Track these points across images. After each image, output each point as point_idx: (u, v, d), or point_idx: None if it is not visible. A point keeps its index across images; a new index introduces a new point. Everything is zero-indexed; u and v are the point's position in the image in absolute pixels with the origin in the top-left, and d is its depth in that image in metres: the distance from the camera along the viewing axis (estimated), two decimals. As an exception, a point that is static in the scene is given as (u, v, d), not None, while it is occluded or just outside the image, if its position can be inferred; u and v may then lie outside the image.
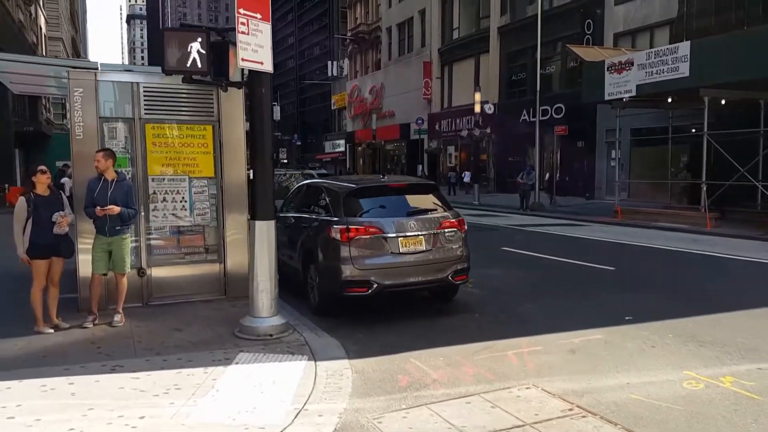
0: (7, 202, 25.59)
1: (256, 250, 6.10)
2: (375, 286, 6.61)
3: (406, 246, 6.74)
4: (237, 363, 5.32)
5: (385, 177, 8.21)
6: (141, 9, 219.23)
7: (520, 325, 6.70)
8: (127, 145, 7.27)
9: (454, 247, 7.02)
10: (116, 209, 6.34)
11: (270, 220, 6.14)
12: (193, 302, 7.53)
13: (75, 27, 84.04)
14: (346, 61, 56.59)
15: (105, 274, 6.54)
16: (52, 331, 6.22)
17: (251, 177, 6.15)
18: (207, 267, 7.72)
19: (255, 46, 5.77)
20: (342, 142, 56.05)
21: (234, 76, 6.60)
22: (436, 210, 7.14)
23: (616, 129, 19.48)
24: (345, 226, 6.66)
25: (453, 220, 7.07)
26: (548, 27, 26.37)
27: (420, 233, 6.80)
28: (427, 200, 7.27)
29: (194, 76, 6.14)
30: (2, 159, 26.27)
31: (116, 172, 6.52)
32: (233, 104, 7.63)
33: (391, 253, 6.70)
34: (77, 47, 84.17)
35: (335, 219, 6.88)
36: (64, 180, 19.95)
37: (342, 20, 61.78)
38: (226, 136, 7.64)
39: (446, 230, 6.97)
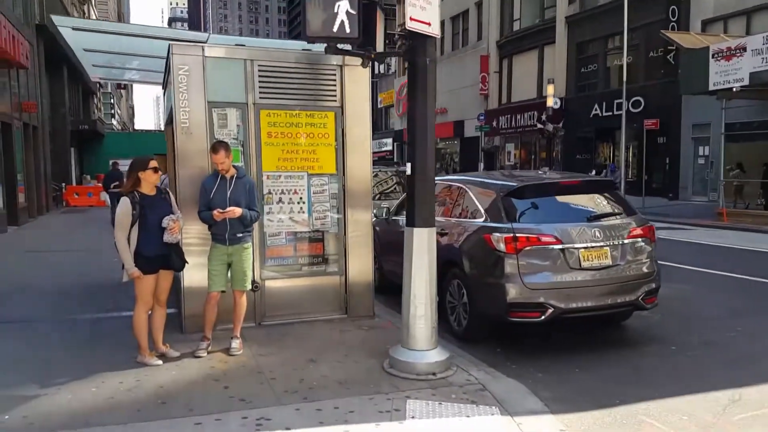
0: (64, 201, 25.16)
1: (413, 265, 4.83)
2: (550, 310, 5.27)
3: (588, 260, 5.38)
4: (413, 417, 4.05)
5: (547, 172, 6.84)
6: (182, 12, 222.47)
7: (751, 365, 5.24)
8: (238, 136, 6.10)
9: (643, 261, 5.63)
10: (238, 211, 5.16)
11: (431, 227, 4.87)
12: (311, 322, 6.33)
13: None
14: (394, 58, 55.14)
15: (223, 291, 5.36)
16: (160, 362, 5.07)
17: (408, 173, 4.87)
18: (326, 280, 6.50)
19: (423, 2, 4.50)
20: (389, 140, 54.77)
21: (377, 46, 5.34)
22: (618, 214, 5.76)
23: (706, 124, 17.72)
24: (512, 234, 5.34)
25: (641, 228, 5.67)
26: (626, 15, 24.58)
27: (604, 244, 5.44)
28: (605, 202, 5.90)
29: (341, 45, 4.89)
30: (59, 158, 25.80)
31: (234, 167, 5.34)
32: (358, 86, 6.40)
33: (570, 268, 5.35)
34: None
35: (495, 225, 5.56)
36: None
37: (387, 17, 60.47)
38: (350, 124, 6.41)
39: (634, 240, 5.58)
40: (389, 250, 6.39)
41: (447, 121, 42.76)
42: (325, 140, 6.38)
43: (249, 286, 5.44)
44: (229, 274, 5.37)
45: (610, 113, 27.26)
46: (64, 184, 25.59)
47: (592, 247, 5.39)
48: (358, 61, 6.26)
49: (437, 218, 6.91)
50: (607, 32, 28.47)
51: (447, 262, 6.14)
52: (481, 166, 37.66)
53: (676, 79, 20.73)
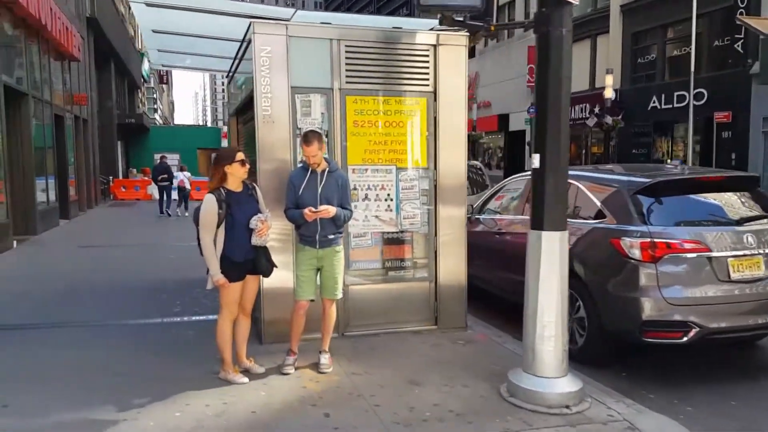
0: (111, 194, 25.12)
1: (541, 276, 4.11)
2: (694, 330, 4.48)
3: (738, 271, 4.56)
4: (560, 462, 3.34)
5: (679, 166, 6.02)
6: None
7: None
8: (323, 125, 5.46)
9: (799, 271, 4.78)
10: (332, 210, 4.51)
11: (563, 230, 4.13)
12: (398, 334, 5.67)
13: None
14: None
15: (312, 300, 4.73)
16: (246, 380, 4.47)
17: (534, 166, 4.14)
18: (414, 287, 5.83)
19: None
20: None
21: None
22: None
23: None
24: (649, 240, 4.56)
25: (797, 232, 4.83)
26: (688, 1, 23.24)
27: (758, 252, 4.62)
28: (752, 201, 5.07)
29: (456, 16, 4.18)
30: (106, 151, 25.78)
31: (325, 160, 4.69)
32: (454, 69, 5.69)
33: (718, 281, 4.55)
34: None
35: (624, 227, 4.79)
36: (182, 175, 18.95)
37: (429, 9, 59.13)
38: (443, 112, 5.70)
39: (791, 247, 4.73)
40: (472, 252, 5.78)
41: (491, 114, 41.76)
42: (416, 129, 5.69)
43: (340, 294, 4.80)
44: (317, 280, 4.73)
45: (670, 105, 25.94)
46: (111, 178, 25.56)
47: (744, 255, 4.58)
48: (455, 39, 5.59)
49: (523, 216, 6.25)
50: (666, 20, 27.08)
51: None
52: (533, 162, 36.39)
53: (745, 69, 19.42)
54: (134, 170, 30.01)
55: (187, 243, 12.55)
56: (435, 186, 5.74)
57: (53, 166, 15.38)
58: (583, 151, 34.66)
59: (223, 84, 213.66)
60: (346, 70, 5.42)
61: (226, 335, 4.43)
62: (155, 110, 52.14)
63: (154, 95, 55.64)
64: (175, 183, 18.68)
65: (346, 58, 5.41)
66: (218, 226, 4.27)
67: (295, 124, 5.34)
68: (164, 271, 9.09)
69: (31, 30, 13.27)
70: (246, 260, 4.33)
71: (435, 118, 5.69)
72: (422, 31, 5.63)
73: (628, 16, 29.76)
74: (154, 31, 6.36)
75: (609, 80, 25.00)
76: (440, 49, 5.63)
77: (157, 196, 25.09)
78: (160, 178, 18.43)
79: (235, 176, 4.37)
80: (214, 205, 4.25)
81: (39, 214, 13.27)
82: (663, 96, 26.61)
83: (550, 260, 4.09)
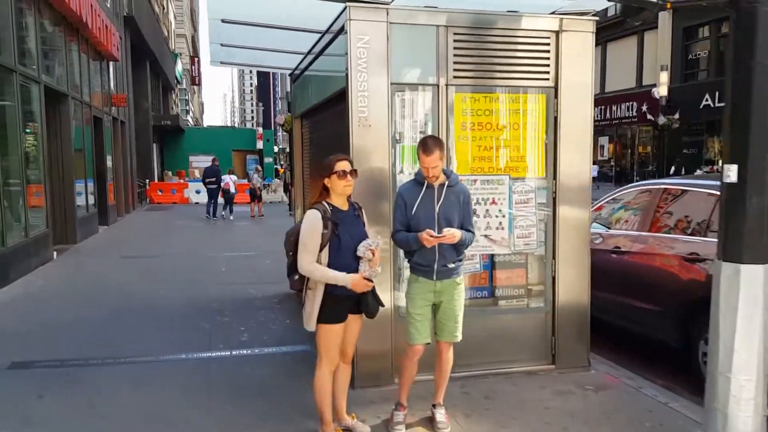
0: (148, 198, 24.67)
1: (738, 321, 3.19)
2: None
3: None
4: None
5: None
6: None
7: None
8: (425, 128, 4.60)
9: None
10: (458, 234, 3.65)
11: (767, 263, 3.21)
12: (510, 375, 4.79)
13: (194, 26, 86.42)
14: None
15: (428, 343, 3.86)
16: (349, 443, 3.64)
17: (729, 180, 3.22)
18: (529, 318, 4.94)
19: None
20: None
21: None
22: None
23: None
24: None
25: None
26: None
27: None
28: None
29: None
30: (142, 153, 25.35)
31: (444, 171, 3.82)
32: (579, 60, 4.78)
33: None
34: (196, 47, 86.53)
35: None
36: (228, 178, 18.50)
37: None
38: (566, 111, 4.80)
39: None
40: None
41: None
42: (533, 132, 4.80)
43: (460, 336, 3.93)
44: (435, 320, 3.88)
45: (724, 104, 24.60)
46: (147, 181, 25.13)
47: None
48: (581, 25, 4.72)
49: (642, 232, 5.35)
50: (720, 15, 25.71)
51: (704, 300, 4.45)
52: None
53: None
54: (169, 173, 29.61)
55: (236, 252, 11.94)
56: (554, 199, 4.85)
57: (92, 170, 14.82)
58: (628, 150, 33.36)
59: (251, 85, 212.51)
60: (454, 63, 4.56)
61: (326, 390, 3.59)
62: (187, 111, 51.97)
63: (186, 96, 55.53)
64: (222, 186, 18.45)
65: (455, 48, 4.55)
66: (320, 250, 3.44)
67: (394, 128, 4.50)
68: (218, 285, 8.34)
69: (70, 28, 12.70)
70: (350, 295, 3.49)
71: (555, 118, 4.79)
72: (542, 15, 4.74)
73: (678, 11, 28.38)
74: (223, 21, 5.57)
75: (664, 77, 23.78)
76: (563, 37, 4.73)
77: (194, 199, 24.71)
78: (208, 181, 18.19)
79: (336, 191, 3.54)
80: (318, 223, 3.42)
81: (79, 221, 12.67)
82: (717, 93, 25.25)
83: (751, 301, 3.17)
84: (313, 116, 6.57)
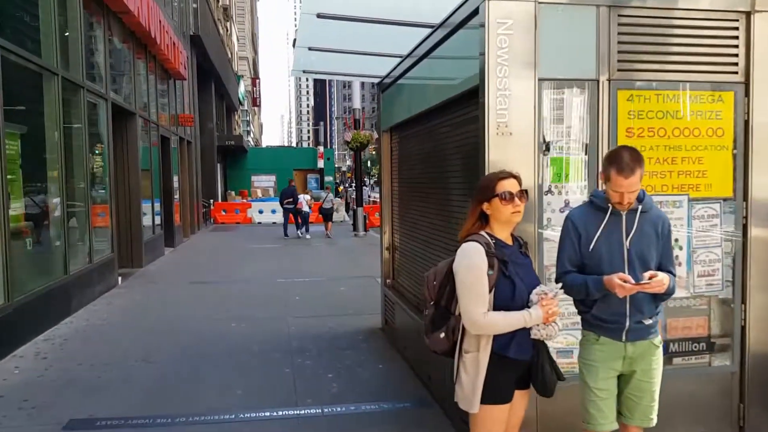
0: (212, 218, 24.43)
1: None
2: None
3: None
4: None
5: None
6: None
7: None
8: (580, 135, 3.59)
9: None
10: (665, 281, 2.61)
11: None
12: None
13: (254, 49, 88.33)
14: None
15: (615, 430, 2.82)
16: None
17: None
18: (709, 380, 3.81)
19: None
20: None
21: None
22: None
23: None
24: None
25: None
26: None
27: None
28: None
29: None
30: (206, 173, 25.23)
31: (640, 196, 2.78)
32: (779, 46, 3.68)
33: None
34: (257, 69, 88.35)
35: None
36: (302, 198, 18.38)
37: None
38: (760, 113, 3.69)
39: None
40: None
41: None
42: (716, 140, 3.71)
43: (656, 419, 2.86)
44: (622, 397, 2.82)
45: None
46: (212, 201, 24.91)
47: None
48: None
49: None
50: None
51: None
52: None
53: None
54: (232, 192, 29.48)
55: (307, 278, 11.09)
56: (745, 226, 3.73)
57: (159, 190, 14.41)
58: None
59: (308, 106, 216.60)
60: (619, 53, 3.54)
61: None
62: (248, 132, 52.50)
63: (248, 117, 56.20)
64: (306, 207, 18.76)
65: (620, 34, 3.53)
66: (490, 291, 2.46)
67: (541, 135, 3.50)
68: (295, 318, 7.49)
69: (138, 44, 12.34)
70: (521, 360, 2.49)
71: (746, 121, 3.69)
72: (728, -11, 3.68)
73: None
74: (318, 16, 4.74)
75: None
76: (756, 19, 3.65)
77: (257, 219, 24.34)
78: (285, 201, 18.55)
79: (501, 220, 2.56)
80: (484, 261, 2.44)
81: (145, 243, 12.18)
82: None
83: None
84: (409, 128, 5.67)
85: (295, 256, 14.20)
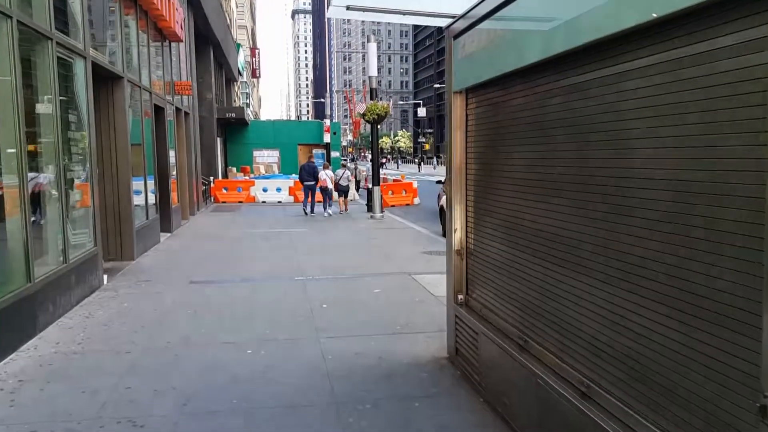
0: (212, 197, 22.62)
1: None
2: None
3: None
4: None
5: None
6: (305, 3, 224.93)
7: None
8: None
9: None
10: None
11: None
12: None
13: (253, 18, 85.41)
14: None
15: None
16: None
17: None
18: None
19: None
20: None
21: None
22: None
23: None
24: None
25: None
26: None
27: None
28: None
29: None
30: (206, 148, 23.31)
31: None
32: None
33: None
34: (255, 39, 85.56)
35: None
36: (324, 174, 17.74)
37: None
38: None
39: None
40: None
41: None
42: None
43: None
44: None
45: None
46: (212, 178, 23.05)
47: None
48: None
49: None
50: None
51: None
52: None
53: None
54: (233, 169, 27.57)
55: (330, 275, 8.95)
56: None
57: (152, 168, 12.55)
58: None
59: (307, 80, 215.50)
60: None
61: None
62: (248, 105, 50.22)
63: (247, 90, 53.89)
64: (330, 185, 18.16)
65: None
66: None
67: None
68: (328, 336, 5.73)
69: (127, -4, 10.37)
70: None
71: None
72: None
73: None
74: None
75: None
76: None
77: (261, 198, 22.54)
78: (306, 178, 17.99)
79: None
80: None
81: (137, 231, 10.36)
82: None
83: None
84: (513, 85, 3.83)
85: (310, 243, 12.41)
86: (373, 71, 16.60)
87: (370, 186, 18.09)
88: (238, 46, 39.35)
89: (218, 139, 26.51)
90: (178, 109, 16.00)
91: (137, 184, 10.80)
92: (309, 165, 18.00)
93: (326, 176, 17.90)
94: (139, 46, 11.61)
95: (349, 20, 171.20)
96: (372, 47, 16.50)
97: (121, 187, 9.88)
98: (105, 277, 8.31)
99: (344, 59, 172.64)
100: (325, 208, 17.85)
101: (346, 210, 18.49)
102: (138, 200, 10.84)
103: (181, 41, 15.08)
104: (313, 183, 17.76)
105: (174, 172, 14.98)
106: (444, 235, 13.82)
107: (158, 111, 13.05)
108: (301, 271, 9.23)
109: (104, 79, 9.39)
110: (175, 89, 15.26)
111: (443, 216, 13.88)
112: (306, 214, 17.74)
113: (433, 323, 6.15)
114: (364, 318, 6.51)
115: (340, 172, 18.76)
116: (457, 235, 4.97)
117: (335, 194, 18.49)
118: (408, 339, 5.77)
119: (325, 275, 8.91)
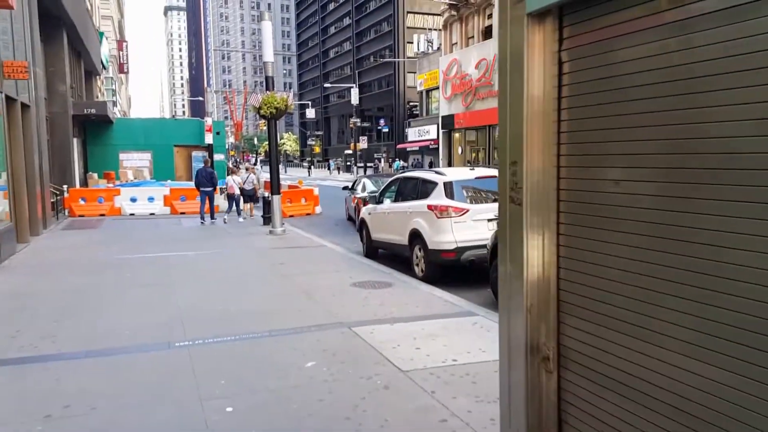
0: (65, 210, 18.54)
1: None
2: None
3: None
4: None
5: None
6: (178, 0, 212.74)
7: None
8: None
9: None
10: None
11: None
12: None
13: (120, 11, 78.19)
14: (437, 33, 48.61)
15: None
16: None
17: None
18: None
19: None
20: (433, 128, 48.29)
21: None
22: None
23: None
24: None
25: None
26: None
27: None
28: None
29: None
30: (57, 150, 19.16)
31: None
32: None
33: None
34: (123, 32, 78.31)
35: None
36: (231, 180, 16.14)
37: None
38: None
39: None
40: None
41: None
42: None
43: None
44: None
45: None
46: (66, 187, 18.90)
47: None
48: None
49: None
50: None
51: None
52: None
53: None
54: (95, 176, 23.30)
55: (233, 335, 5.90)
56: None
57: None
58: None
59: (182, 78, 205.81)
60: None
61: None
62: (114, 103, 44.59)
63: (113, 87, 48.10)
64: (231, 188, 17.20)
65: None
66: None
67: None
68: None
69: None
70: None
71: None
72: None
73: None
74: None
75: None
76: None
77: (128, 210, 18.80)
78: (203, 185, 16.77)
79: None
80: None
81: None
82: None
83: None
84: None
85: (198, 273, 9.38)
86: (269, 56, 13.74)
87: (267, 195, 15.22)
88: (101, 34, 34.46)
89: (75, 139, 22.20)
90: (11, 99, 12.19)
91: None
92: (206, 170, 16.76)
93: (233, 182, 17.06)
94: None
95: (227, 17, 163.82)
96: (267, 26, 13.64)
97: None
98: None
99: (222, 58, 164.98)
100: (236, 214, 17.28)
101: (251, 215, 17.76)
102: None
103: (12, 8, 11.36)
104: (210, 189, 16.56)
105: (5, 180, 11.25)
106: (367, 254, 11.23)
107: (-27, 97, 9.40)
108: (185, 327, 6.30)
109: None
110: (4, 72, 11.49)
111: (364, 230, 11.32)
112: (203, 222, 16.49)
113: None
114: None
115: (245, 176, 17.78)
116: (533, 317, 2.45)
117: (242, 200, 17.63)
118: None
119: (222, 334, 6.04)
